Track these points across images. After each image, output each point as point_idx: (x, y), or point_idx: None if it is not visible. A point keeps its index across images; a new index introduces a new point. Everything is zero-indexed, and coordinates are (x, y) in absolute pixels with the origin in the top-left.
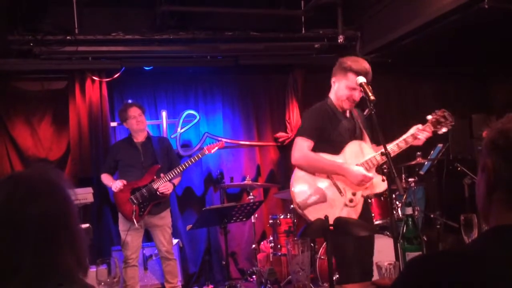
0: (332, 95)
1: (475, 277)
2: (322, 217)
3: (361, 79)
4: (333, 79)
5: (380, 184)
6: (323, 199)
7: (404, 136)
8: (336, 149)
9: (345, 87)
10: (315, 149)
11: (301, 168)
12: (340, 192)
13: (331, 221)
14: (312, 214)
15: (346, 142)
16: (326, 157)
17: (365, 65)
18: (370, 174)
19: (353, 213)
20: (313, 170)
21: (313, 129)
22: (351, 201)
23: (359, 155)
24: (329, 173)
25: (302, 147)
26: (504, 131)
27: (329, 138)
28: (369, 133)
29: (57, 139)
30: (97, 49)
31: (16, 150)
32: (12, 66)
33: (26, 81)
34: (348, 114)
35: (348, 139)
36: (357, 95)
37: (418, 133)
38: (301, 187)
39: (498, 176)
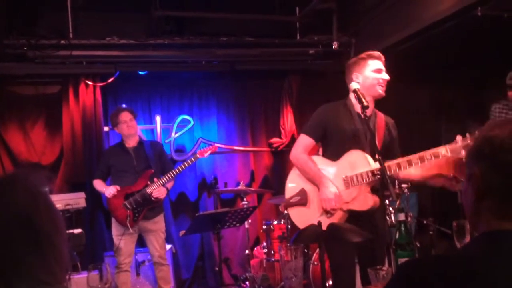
0: (351, 95)
1: (467, 281)
2: (300, 219)
3: (355, 85)
4: (353, 75)
5: (364, 203)
6: (304, 201)
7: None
8: (336, 153)
9: (372, 71)
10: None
11: (295, 166)
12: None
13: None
14: (293, 215)
15: (346, 142)
16: (318, 161)
17: (375, 52)
18: (333, 204)
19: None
20: (301, 172)
21: (315, 126)
22: (327, 211)
23: (356, 167)
24: (310, 180)
25: (299, 145)
26: (489, 138)
27: (331, 135)
28: (386, 146)
29: (50, 144)
30: (91, 53)
31: (8, 154)
32: (6, 70)
33: (20, 85)
34: (364, 117)
35: (350, 139)
36: (386, 76)
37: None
38: (291, 184)
39: (486, 184)
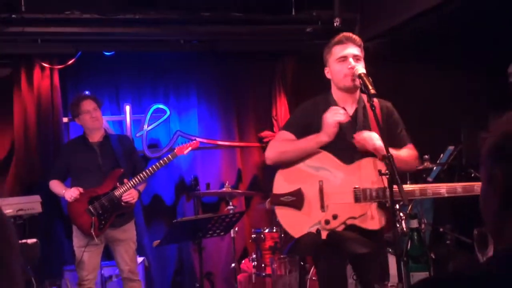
0: (332, 88)
1: None
2: (290, 222)
3: (360, 69)
4: (326, 70)
5: (373, 220)
6: (298, 204)
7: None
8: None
9: (334, 63)
10: None
11: (274, 163)
12: (322, 206)
13: (297, 236)
14: (281, 215)
15: (330, 144)
16: (325, 159)
17: (344, 33)
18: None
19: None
20: (289, 158)
21: (297, 121)
22: (326, 222)
23: (367, 179)
24: (306, 151)
25: (276, 141)
26: (510, 133)
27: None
28: (391, 136)
29: None
30: (47, 30)
31: None
32: None
33: None
34: (351, 112)
35: (337, 143)
36: (353, 62)
37: None
38: (283, 179)
39: (510, 188)
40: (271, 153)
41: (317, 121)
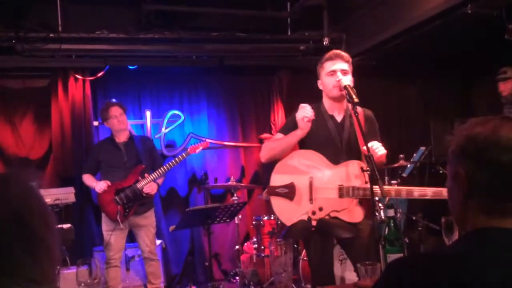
0: (324, 98)
1: (456, 278)
2: (282, 211)
3: (346, 81)
4: (318, 82)
5: (354, 216)
6: (291, 195)
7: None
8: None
9: (325, 76)
10: None
11: (266, 160)
12: (311, 199)
13: (287, 223)
14: (275, 204)
15: (320, 147)
16: (316, 158)
17: (334, 50)
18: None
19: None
20: (276, 151)
21: (290, 128)
22: (313, 213)
23: (352, 179)
24: (288, 143)
25: (269, 141)
26: (472, 136)
27: (305, 139)
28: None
29: (39, 138)
30: (80, 47)
31: None
32: None
33: (8, 78)
34: (339, 119)
35: (323, 143)
36: (340, 76)
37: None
38: (279, 174)
39: (472, 183)
40: (263, 152)
41: (312, 125)
